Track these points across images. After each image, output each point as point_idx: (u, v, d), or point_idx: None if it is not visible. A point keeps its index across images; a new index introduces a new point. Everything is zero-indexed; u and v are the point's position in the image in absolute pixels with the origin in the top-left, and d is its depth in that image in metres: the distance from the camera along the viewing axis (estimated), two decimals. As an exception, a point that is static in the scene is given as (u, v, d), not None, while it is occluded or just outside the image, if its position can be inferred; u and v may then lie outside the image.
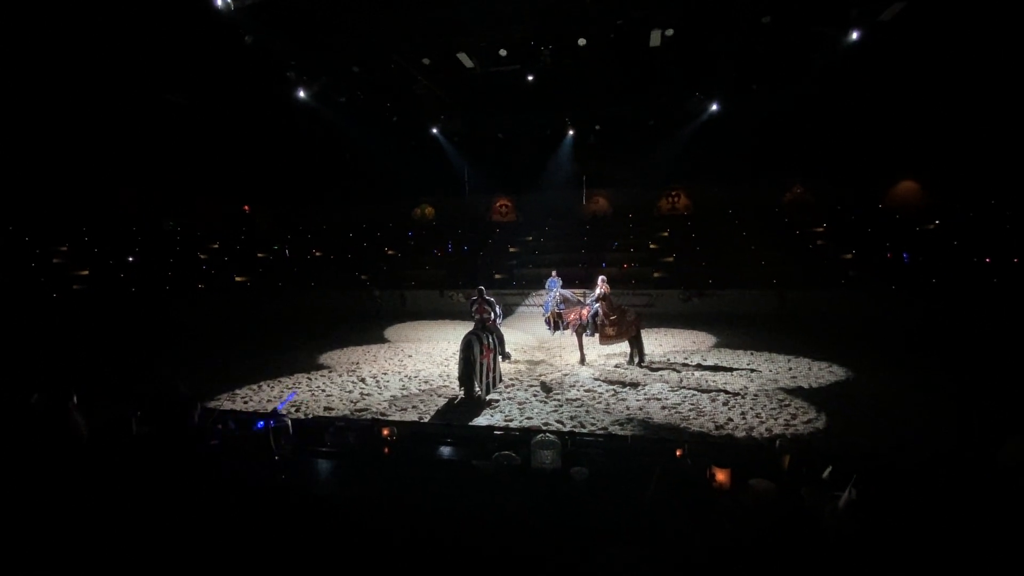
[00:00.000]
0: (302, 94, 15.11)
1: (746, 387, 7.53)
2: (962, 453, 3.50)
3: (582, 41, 12.69)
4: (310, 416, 6.43)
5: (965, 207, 17.71)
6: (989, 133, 17.18)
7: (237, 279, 20.81)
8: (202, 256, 22.39)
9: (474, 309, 8.40)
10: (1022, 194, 17.10)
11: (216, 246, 23.33)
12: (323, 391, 7.79)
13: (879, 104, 17.25)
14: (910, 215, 18.44)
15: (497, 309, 8.63)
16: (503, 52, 13.23)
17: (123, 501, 2.60)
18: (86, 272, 19.92)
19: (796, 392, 7.30)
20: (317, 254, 22.82)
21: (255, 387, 8.02)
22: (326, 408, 6.92)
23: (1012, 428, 5.64)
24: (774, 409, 6.53)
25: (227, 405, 7.04)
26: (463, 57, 13.57)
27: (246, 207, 26.27)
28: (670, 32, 12.18)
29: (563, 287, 11.00)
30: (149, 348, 11.55)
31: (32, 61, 13.69)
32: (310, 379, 8.53)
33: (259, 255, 22.93)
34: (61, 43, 13.03)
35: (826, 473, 2.43)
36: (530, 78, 14.60)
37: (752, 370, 8.58)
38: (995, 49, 13.74)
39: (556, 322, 9.90)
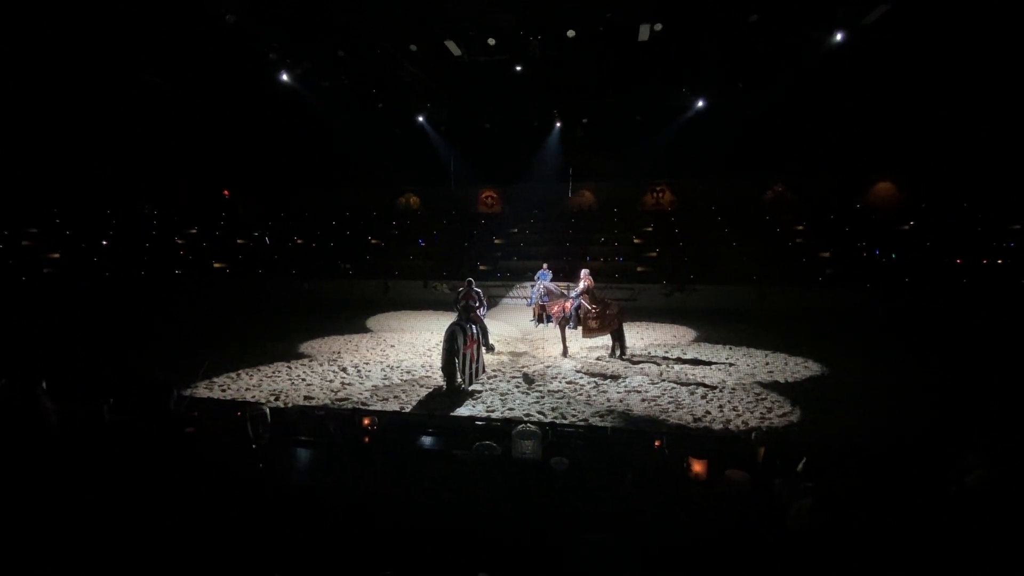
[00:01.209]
0: (285, 77, 14.77)
1: (724, 381, 7.67)
2: (929, 449, 3.63)
3: (571, 33, 12.63)
4: (290, 405, 6.36)
5: (939, 209, 18.21)
6: (964, 138, 17.65)
7: (216, 265, 20.39)
8: (179, 241, 21.88)
9: (461, 298, 8.39)
10: (993, 198, 17.66)
11: (194, 231, 22.80)
12: (303, 380, 7.71)
13: (859, 106, 17.59)
14: (887, 215, 18.88)
15: (482, 300, 8.64)
16: (492, 41, 13.10)
17: (94, 491, 2.54)
18: (57, 255, 19.33)
19: (772, 386, 7.46)
20: (299, 241, 22.45)
21: (233, 375, 7.89)
22: (306, 397, 6.86)
23: (979, 423, 5.84)
24: (751, 403, 6.67)
25: (204, 393, 6.93)
26: (451, 45, 13.41)
27: (226, 192, 25.69)
28: (659, 27, 12.19)
29: (551, 280, 11.04)
30: (122, 334, 11.27)
31: (4, 34, 13.11)
32: (290, 368, 8.43)
33: (239, 241, 22.47)
34: (37, 20, 12.49)
35: (800, 465, 2.49)
36: (518, 69, 14.49)
37: (730, 364, 8.73)
38: (971, 57, 14.08)
39: (540, 314, 9.94)
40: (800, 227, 19.45)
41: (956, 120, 17.18)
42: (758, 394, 7.05)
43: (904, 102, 17.01)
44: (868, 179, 20.22)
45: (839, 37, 12.03)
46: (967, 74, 15.02)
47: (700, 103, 17.89)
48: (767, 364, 8.74)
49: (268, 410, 2.92)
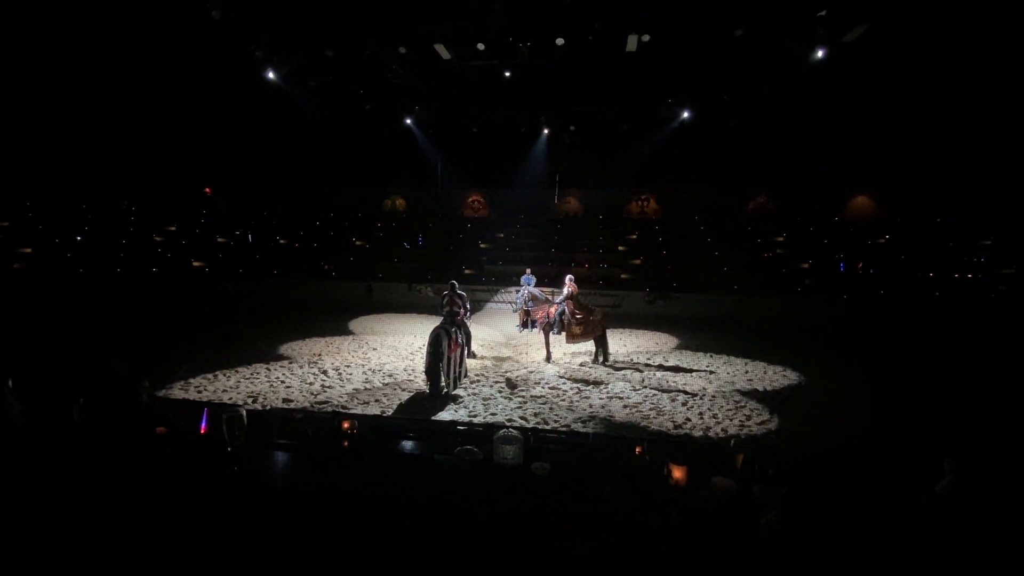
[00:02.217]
0: (271, 75, 14.59)
1: (704, 388, 7.76)
2: (902, 456, 3.71)
3: (560, 41, 12.74)
4: (267, 407, 6.25)
5: (913, 224, 18.75)
6: (938, 155, 18.23)
7: (195, 263, 19.97)
8: (158, 238, 21.39)
9: (445, 302, 8.35)
10: (965, 214, 18.25)
11: (173, 228, 22.32)
12: (282, 382, 7.59)
13: (839, 121, 18.08)
14: (864, 228, 19.37)
15: (466, 304, 8.62)
16: (481, 46, 13.14)
17: (61, 493, 2.46)
18: (29, 250, 18.76)
19: (751, 394, 7.56)
20: (281, 241, 22.12)
21: (210, 376, 7.73)
22: (285, 400, 6.75)
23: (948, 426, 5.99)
24: (730, 410, 6.76)
25: (179, 394, 6.77)
26: (440, 48, 13.41)
27: (207, 189, 25.22)
28: (646, 38, 12.37)
29: (535, 285, 11.06)
30: (95, 332, 10.96)
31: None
32: (269, 369, 8.29)
33: (219, 239, 22.05)
34: (16, 9, 12.15)
35: (772, 470, 2.52)
36: (507, 74, 14.56)
37: (711, 372, 8.84)
38: (946, 77, 14.58)
39: (525, 320, 9.96)
40: (780, 238, 19.83)
41: (931, 137, 17.75)
42: (737, 402, 7.14)
43: (882, 119, 17.55)
44: (846, 193, 20.73)
45: (820, 54, 12.35)
46: (942, 93, 15.55)
47: (685, 114, 18.18)
48: (747, 372, 8.87)
49: (244, 412, 2.86)
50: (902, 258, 17.23)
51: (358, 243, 21.95)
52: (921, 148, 18.23)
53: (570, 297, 9.23)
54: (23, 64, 14.89)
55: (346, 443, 3.23)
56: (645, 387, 7.74)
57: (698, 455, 3.09)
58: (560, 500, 2.37)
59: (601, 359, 9.19)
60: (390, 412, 6.41)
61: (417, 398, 6.98)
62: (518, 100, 17.48)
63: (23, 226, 19.21)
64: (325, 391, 7.19)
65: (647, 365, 9.23)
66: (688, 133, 18.87)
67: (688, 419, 6.36)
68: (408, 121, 20.19)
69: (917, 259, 16.92)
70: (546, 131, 20.94)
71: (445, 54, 13.63)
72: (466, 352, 8.05)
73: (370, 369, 8.46)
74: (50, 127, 18.54)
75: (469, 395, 7.14)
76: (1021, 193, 17.56)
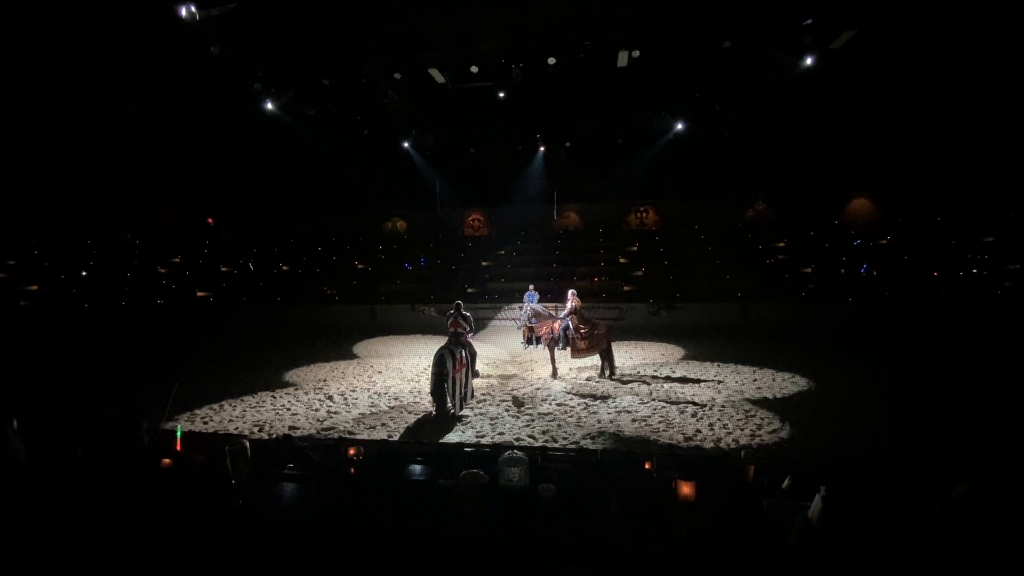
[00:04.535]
0: (270, 106, 14.86)
1: (713, 398, 7.68)
2: (919, 462, 3.64)
3: (552, 60, 12.95)
4: (273, 436, 6.21)
5: (914, 224, 18.72)
6: (936, 154, 18.29)
7: (199, 294, 20.08)
8: (162, 270, 21.57)
9: (450, 323, 8.35)
10: (965, 212, 18.22)
11: (177, 260, 22.52)
12: (288, 409, 7.55)
13: (835, 124, 18.21)
14: (864, 231, 19.34)
15: (470, 324, 8.61)
16: (474, 69, 13.37)
17: (66, 531, 2.43)
18: (35, 287, 18.93)
19: (761, 403, 7.48)
20: (284, 268, 22.26)
21: (216, 406, 7.71)
22: (290, 427, 6.71)
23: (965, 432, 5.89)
24: (740, 420, 6.67)
25: (186, 426, 6.74)
26: (435, 73, 13.65)
27: (210, 219, 25.50)
28: (636, 53, 12.57)
29: (538, 301, 11.07)
30: (102, 367, 10.97)
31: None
32: (275, 397, 8.26)
33: (223, 269, 22.22)
34: (17, 45, 12.47)
35: (785, 483, 2.48)
36: (501, 95, 14.78)
37: (719, 381, 8.75)
38: (941, 76, 14.71)
39: (529, 336, 9.94)
40: (782, 244, 19.81)
41: (928, 136, 17.84)
42: (748, 411, 7.05)
43: (877, 120, 17.67)
44: (845, 195, 20.77)
45: (809, 61, 12.50)
46: (937, 91, 15.66)
47: (679, 125, 18.35)
48: (755, 380, 8.78)
49: (248, 443, 2.83)
50: (905, 259, 17.16)
51: (360, 266, 22.06)
52: (918, 147, 18.31)
53: (574, 312, 9.21)
54: (25, 101, 15.22)
55: (352, 470, 3.19)
56: (653, 399, 7.66)
57: (709, 468, 3.04)
58: (566, 521, 2.32)
59: (607, 373, 9.12)
60: (397, 436, 6.35)
61: (424, 420, 6.93)
62: (513, 119, 17.70)
63: (29, 264, 19.41)
64: (331, 416, 7.15)
65: (654, 377, 9.15)
66: (683, 144, 19.02)
67: (699, 431, 6.28)
68: (406, 144, 20.45)
69: (920, 259, 16.85)
70: (542, 148, 21.16)
71: (439, 78, 13.87)
72: (472, 372, 8.00)
73: (376, 393, 8.42)
74: (54, 166, 18.86)
75: (476, 415, 7.08)
76: (1022, 188, 17.54)
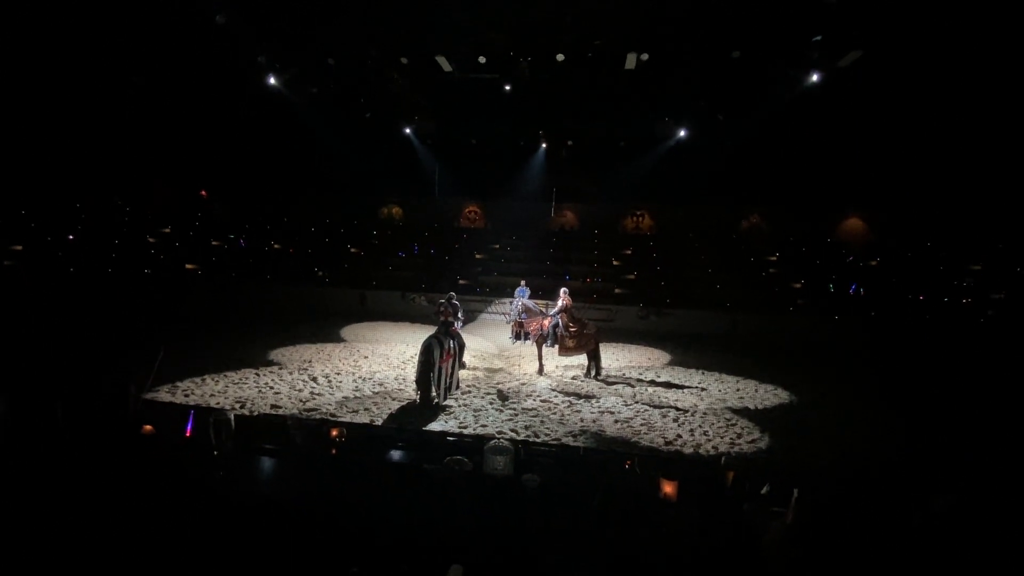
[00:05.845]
0: (272, 81, 14.67)
1: (696, 405, 7.75)
2: (896, 476, 3.71)
3: (560, 57, 12.92)
4: (255, 413, 6.17)
5: (904, 247, 19.00)
6: (930, 181, 18.55)
7: (187, 266, 19.82)
8: (151, 240, 21.24)
9: (441, 312, 8.33)
10: (955, 239, 18.52)
11: (167, 230, 22.18)
12: (271, 388, 7.50)
13: (833, 144, 18.38)
14: (856, 251, 19.58)
15: (460, 315, 8.60)
16: (482, 59, 13.30)
17: (46, 498, 2.40)
18: (19, 247, 18.58)
19: (742, 412, 7.56)
20: (276, 246, 22.02)
21: (198, 379, 7.64)
22: (273, 406, 6.67)
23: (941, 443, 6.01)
24: (721, 427, 6.75)
25: (166, 398, 6.68)
26: (442, 60, 13.56)
27: (203, 192, 25.14)
28: (645, 57, 12.58)
29: (529, 297, 11.07)
30: (84, 334, 10.80)
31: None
32: (258, 375, 8.20)
33: (213, 243, 21.93)
34: (17, 14, 12.18)
35: (764, 489, 2.51)
36: (507, 88, 14.73)
37: (702, 389, 8.84)
38: (937, 104, 14.90)
39: (518, 331, 9.95)
40: (774, 257, 19.99)
41: (924, 162, 18.08)
42: (729, 419, 7.13)
43: (875, 142, 17.89)
44: (839, 215, 21.00)
45: (815, 78, 12.59)
46: (936, 118, 15.87)
47: (682, 132, 18.42)
48: (738, 390, 8.87)
49: (232, 416, 2.82)
50: (893, 280, 17.41)
51: (353, 250, 21.89)
52: (914, 173, 18.54)
53: (564, 310, 9.22)
54: (21, 63, 14.87)
55: (334, 451, 3.19)
56: (637, 402, 7.71)
57: (688, 472, 3.08)
58: (549, 512, 2.34)
59: (593, 373, 9.17)
60: (379, 421, 6.34)
61: (407, 408, 6.92)
62: (517, 114, 17.66)
63: (14, 223, 19.03)
64: (314, 398, 7.12)
65: (639, 380, 9.21)
66: (684, 151, 19.10)
67: (679, 435, 6.34)
68: (407, 130, 20.31)
69: (908, 282, 17.10)
70: (544, 145, 21.12)
71: (446, 66, 13.77)
72: (458, 363, 8.00)
73: (360, 377, 8.39)
74: (47, 126, 18.47)
75: (460, 406, 7.09)
76: (1011, 219, 17.86)
